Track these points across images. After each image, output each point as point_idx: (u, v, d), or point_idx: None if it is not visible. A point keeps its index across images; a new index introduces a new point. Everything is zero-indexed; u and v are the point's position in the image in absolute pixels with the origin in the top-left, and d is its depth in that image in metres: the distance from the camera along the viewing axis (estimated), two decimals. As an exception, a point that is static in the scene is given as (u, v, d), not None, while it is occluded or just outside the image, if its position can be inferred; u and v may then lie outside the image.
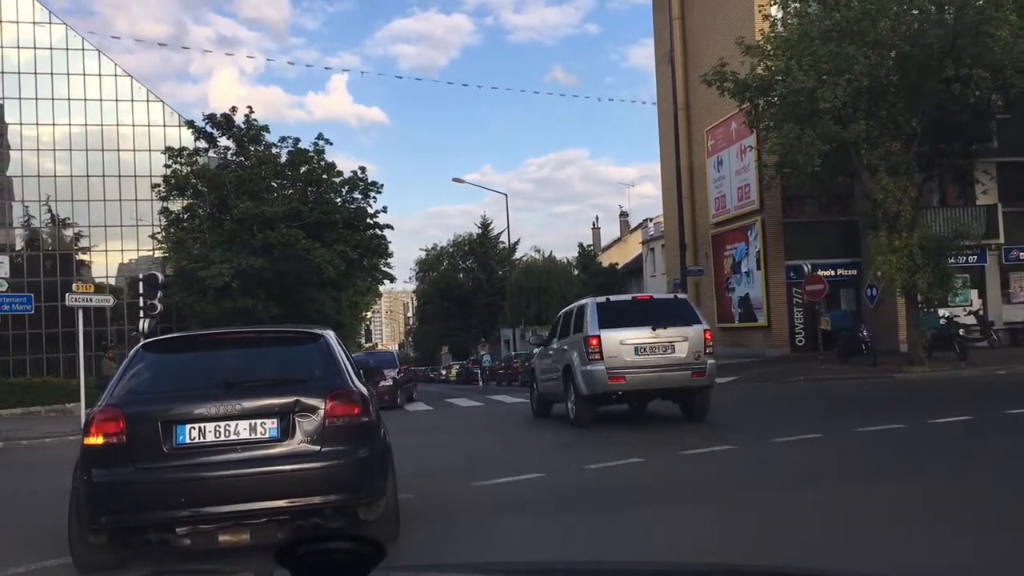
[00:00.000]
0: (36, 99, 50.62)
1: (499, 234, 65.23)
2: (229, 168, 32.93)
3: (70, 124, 51.16)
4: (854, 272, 27.76)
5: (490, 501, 7.06)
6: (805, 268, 24.56)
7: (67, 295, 17.11)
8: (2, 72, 49.98)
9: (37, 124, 50.83)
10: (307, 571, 1.33)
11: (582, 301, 13.39)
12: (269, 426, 5.13)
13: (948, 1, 19.95)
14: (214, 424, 5.06)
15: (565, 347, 13.22)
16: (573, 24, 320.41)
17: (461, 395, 25.43)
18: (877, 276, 22.08)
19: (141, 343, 5.79)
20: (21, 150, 51.47)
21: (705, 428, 11.61)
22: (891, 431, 9.84)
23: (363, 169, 34.53)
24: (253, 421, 5.11)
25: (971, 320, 24.54)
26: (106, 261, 52.57)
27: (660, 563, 3.81)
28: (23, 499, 9.06)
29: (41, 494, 8.47)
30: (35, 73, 50.69)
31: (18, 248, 51.20)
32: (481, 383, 37.79)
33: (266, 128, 33.70)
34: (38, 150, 51.18)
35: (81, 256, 51.88)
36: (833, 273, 26.66)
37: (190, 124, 34.83)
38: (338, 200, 33.82)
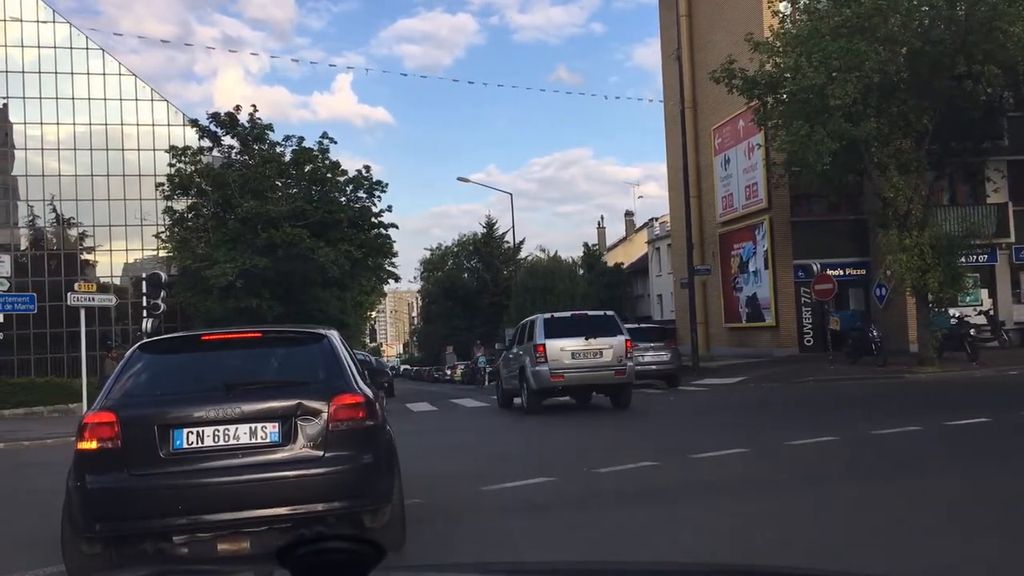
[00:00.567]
0: (40, 98, 50.58)
1: (504, 234, 65.03)
2: (233, 167, 32.75)
3: (74, 123, 51.10)
4: (863, 271, 27.50)
5: (500, 506, 6.86)
6: (815, 267, 24.33)
7: (69, 294, 16.97)
8: (6, 72, 49.92)
9: (41, 123, 50.78)
10: (307, 571, 1.34)
11: (533, 316, 16.76)
12: (270, 430, 4.92)
13: (960, -3, 19.71)
14: (213, 428, 4.85)
15: (520, 352, 16.43)
16: (578, 24, 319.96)
17: (465, 395, 25.22)
18: (887, 275, 21.84)
19: (138, 344, 5.58)
20: (25, 149, 51.45)
21: (717, 431, 11.40)
22: (908, 434, 9.61)
23: (367, 168, 34.31)
24: (253, 425, 4.90)
25: (981, 320, 24.29)
26: (110, 261, 52.52)
27: (660, 563, 3.76)
28: (22, 501, 8.89)
29: (41, 496, 8.28)
30: (39, 72, 50.65)
31: (23, 248, 51.19)
32: (486, 383, 37.60)
33: (270, 127, 33.51)
34: (42, 149, 51.13)
35: (86, 256, 51.81)
36: (842, 272, 26.42)
37: (194, 123, 34.65)
38: (342, 199, 33.60)
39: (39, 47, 50.95)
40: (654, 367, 21.51)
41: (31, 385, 22.98)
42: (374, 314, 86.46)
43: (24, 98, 50.44)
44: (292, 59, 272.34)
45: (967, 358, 20.85)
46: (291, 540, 1.35)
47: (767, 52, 21.10)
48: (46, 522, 6.10)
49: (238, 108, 33.26)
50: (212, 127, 33.24)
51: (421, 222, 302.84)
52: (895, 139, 21.06)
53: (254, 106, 33.58)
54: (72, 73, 51.26)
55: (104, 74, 51.93)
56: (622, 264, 60.02)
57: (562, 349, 15.30)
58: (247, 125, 33.06)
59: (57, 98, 50.89)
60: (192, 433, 4.84)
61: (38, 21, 50.87)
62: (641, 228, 63.03)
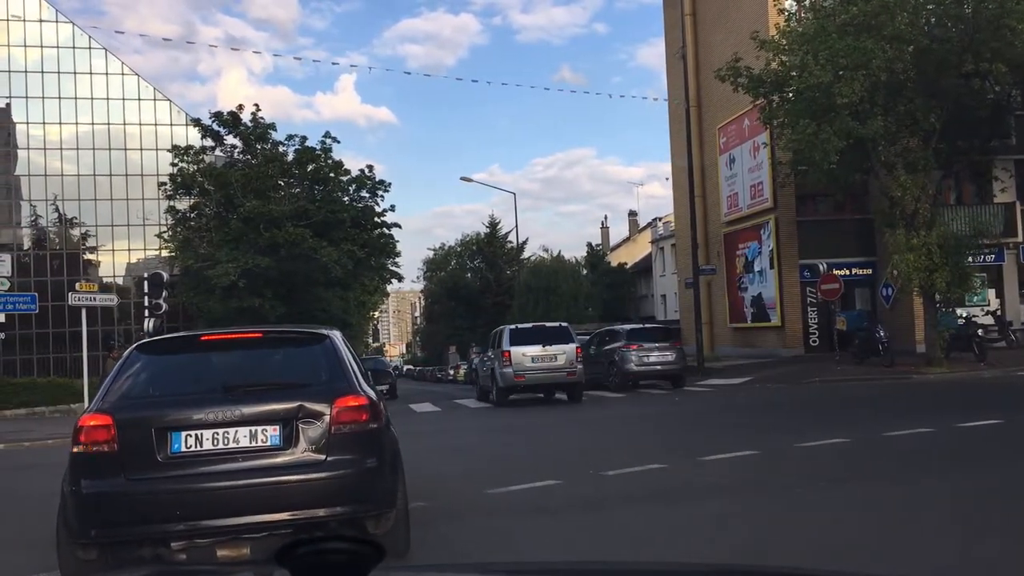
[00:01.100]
0: (43, 98, 50.52)
1: (507, 233, 64.90)
2: (236, 167, 32.64)
3: (77, 123, 51.03)
4: (869, 271, 27.31)
5: (506, 510, 6.72)
6: (821, 267, 24.16)
7: (70, 294, 16.86)
8: (9, 71, 49.86)
9: (44, 123, 50.71)
10: (307, 571, 1.34)
11: (501, 327, 20.72)
12: (271, 433, 4.77)
13: (967, -6, 19.53)
14: (212, 431, 4.71)
15: (491, 356, 20.29)
16: (581, 24, 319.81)
17: (468, 395, 25.05)
18: (893, 275, 21.66)
19: (135, 344, 5.44)
20: (28, 149, 51.38)
21: (725, 433, 11.25)
22: (920, 435, 9.45)
23: (370, 167, 34.16)
24: (254, 428, 4.75)
25: (989, 320, 24.10)
26: (113, 260, 52.45)
27: (660, 563, 3.73)
28: (21, 504, 8.75)
29: (39, 499, 8.15)
30: (42, 72, 50.58)
31: (26, 247, 51.14)
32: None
33: (272, 126, 33.39)
34: (45, 149, 51.07)
35: (88, 256, 51.75)
36: (848, 272, 26.22)
37: (196, 122, 34.55)
38: (345, 199, 33.48)
39: (42, 47, 50.89)
40: (659, 367, 21.36)
41: (32, 385, 22.86)
42: (377, 314, 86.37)
43: (27, 97, 50.39)
44: (295, 57, 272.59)
45: (975, 358, 20.68)
46: (291, 540, 1.35)
47: (773, 50, 20.92)
48: (42, 527, 5.99)
49: (241, 107, 33.16)
50: (215, 126, 33.14)
51: (424, 222, 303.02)
52: (902, 138, 20.89)
53: (257, 105, 33.48)
54: (75, 73, 51.19)
55: (107, 74, 51.86)
56: (626, 264, 59.87)
57: (524, 354, 18.74)
58: (250, 124, 32.94)
59: (60, 98, 50.82)
60: (191, 436, 4.70)
61: (40, 20, 50.80)
62: (645, 228, 62.90)
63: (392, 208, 34.33)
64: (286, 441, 4.77)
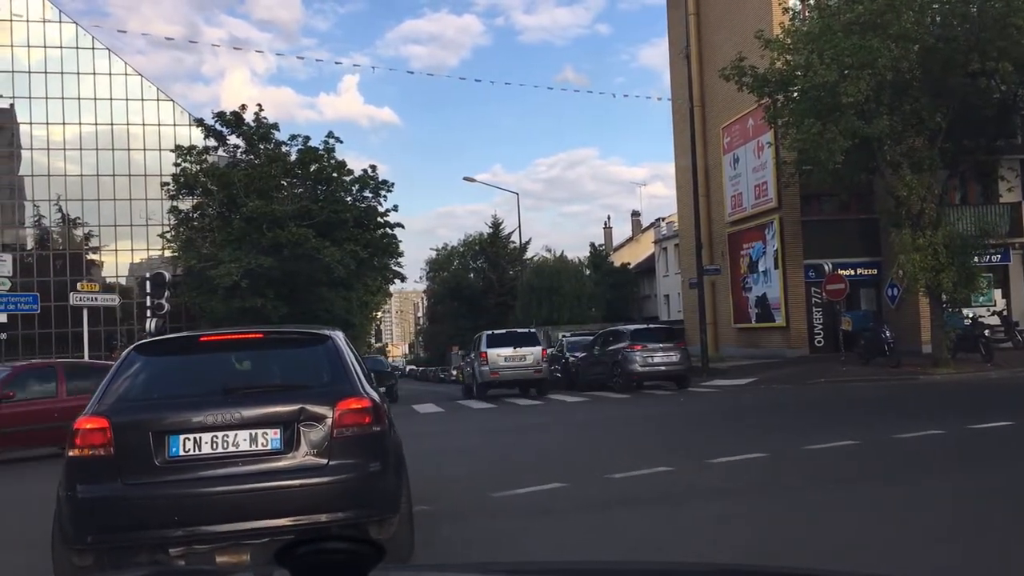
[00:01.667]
0: (47, 98, 50.53)
1: (510, 234, 64.79)
2: (238, 166, 32.58)
3: (80, 123, 51.04)
4: (874, 271, 27.16)
5: (511, 514, 6.60)
6: (826, 267, 24.00)
7: (71, 294, 16.78)
8: (12, 72, 49.88)
9: (47, 123, 50.73)
10: (307, 571, 1.34)
11: (480, 333, 24.26)
12: (271, 437, 4.66)
13: (973, -8, 19.39)
14: (211, 435, 4.60)
15: (473, 356, 23.53)
16: (584, 24, 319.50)
17: (472, 396, 24.92)
18: (899, 275, 21.52)
19: (133, 345, 5.32)
20: (32, 149, 51.41)
21: (732, 435, 11.14)
22: (931, 437, 9.32)
23: (373, 167, 34.11)
24: (254, 431, 4.64)
25: (995, 320, 23.93)
26: (116, 260, 52.45)
27: (660, 563, 3.73)
28: (20, 506, 8.66)
29: (40, 501, 8.05)
30: (46, 72, 50.61)
31: (29, 247, 51.14)
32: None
33: (275, 126, 33.36)
34: (48, 149, 51.08)
35: (91, 256, 51.75)
36: (853, 272, 26.05)
37: (199, 122, 34.51)
38: (348, 199, 33.42)
39: (45, 47, 50.90)
40: (663, 368, 21.21)
41: (34, 386, 22.71)
42: (380, 314, 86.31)
43: (30, 98, 50.40)
44: (298, 56, 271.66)
45: (982, 359, 20.53)
46: (291, 540, 1.35)
47: (778, 49, 20.79)
48: (46, 526, 5.91)
49: (244, 107, 33.14)
50: (218, 126, 33.08)
51: (427, 222, 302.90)
52: (908, 137, 20.75)
53: (260, 105, 33.46)
54: (78, 73, 51.20)
55: (110, 74, 51.88)
56: (629, 264, 59.72)
57: (498, 355, 22.03)
58: (252, 124, 32.89)
59: (63, 98, 50.83)
60: (189, 440, 4.59)
61: (44, 21, 50.78)
62: (648, 228, 62.74)
63: (395, 208, 34.34)
64: (287, 445, 4.66)
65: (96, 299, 17.80)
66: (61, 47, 51.06)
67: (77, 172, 51.35)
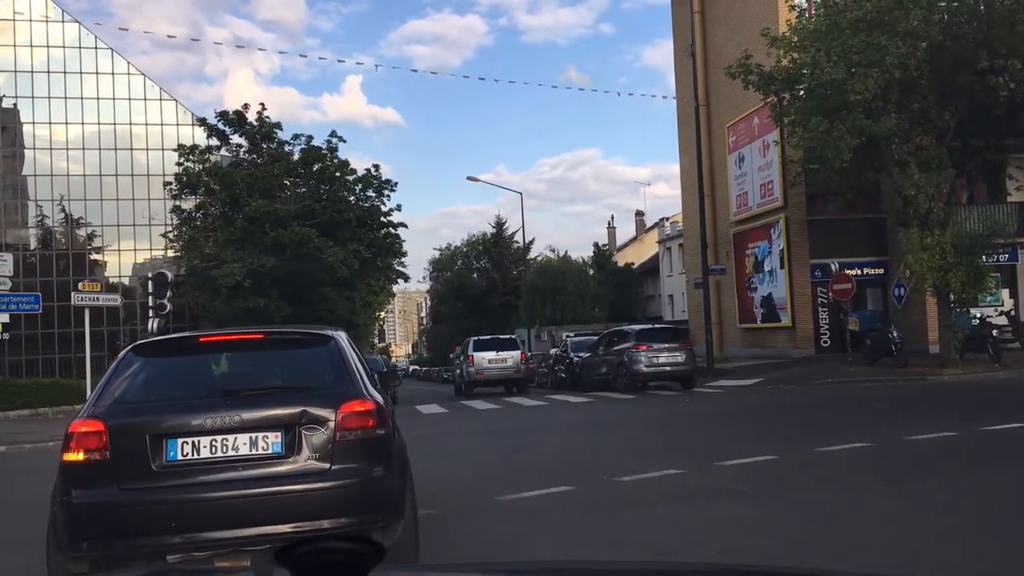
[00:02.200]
0: (49, 98, 50.40)
1: (513, 233, 64.62)
2: (241, 166, 32.45)
3: (83, 123, 50.92)
4: (881, 271, 26.98)
5: (518, 519, 6.45)
6: (833, 267, 23.83)
7: (73, 294, 16.66)
8: (15, 71, 49.80)
9: (50, 123, 50.61)
10: (307, 571, 1.33)
11: (468, 338, 27.43)
12: (272, 440, 4.51)
13: (982, -11, 19.20)
14: (210, 438, 4.45)
15: (462, 359, 26.92)
16: (587, 24, 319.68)
17: (475, 396, 24.80)
18: (906, 275, 21.35)
19: (130, 346, 5.17)
20: (34, 149, 51.29)
21: (740, 436, 10.98)
22: (945, 439, 9.16)
23: (376, 167, 33.92)
24: (254, 435, 4.49)
25: (1002, 320, 23.74)
26: (119, 261, 52.34)
27: (660, 563, 3.66)
28: (18, 509, 8.52)
29: (41, 503, 7.93)
30: (48, 72, 50.48)
31: (32, 247, 51.05)
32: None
33: (278, 125, 33.18)
34: (51, 149, 50.98)
35: (94, 256, 51.64)
36: (859, 272, 25.86)
37: (202, 121, 34.35)
38: (351, 198, 33.26)
39: (48, 46, 50.80)
40: (668, 369, 21.05)
41: (36, 386, 22.65)
42: (383, 314, 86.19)
43: (33, 97, 50.31)
44: (300, 55, 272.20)
45: (990, 359, 20.36)
46: (291, 540, 1.34)
47: (785, 47, 20.62)
48: (36, 535, 5.78)
49: (246, 106, 32.96)
50: (220, 125, 32.94)
51: (430, 222, 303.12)
52: (915, 135, 20.58)
53: (262, 104, 33.27)
54: (81, 73, 51.08)
55: (113, 73, 51.74)
56: (632, 264, 59.56)
57: (483, 358, 25.33)
58: (255, 124, 32.74)
59: (66, 98, 50.71)
60: (187, 443, 4.44)
61: (47, 20, 50.69)
62: (652, 228, 62.56)
63: (398, 208, 34.17)
64: (288, 449, 4.51)
65: (98, 299, 17.69)
66: (64, 47, 50.94)
67: (80, 172, 51.22)
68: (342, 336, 5.24)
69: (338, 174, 33.02)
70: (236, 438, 4.47)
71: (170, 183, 33.17)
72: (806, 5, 21.64)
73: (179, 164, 32.56)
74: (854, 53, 18.71)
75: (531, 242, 70.44)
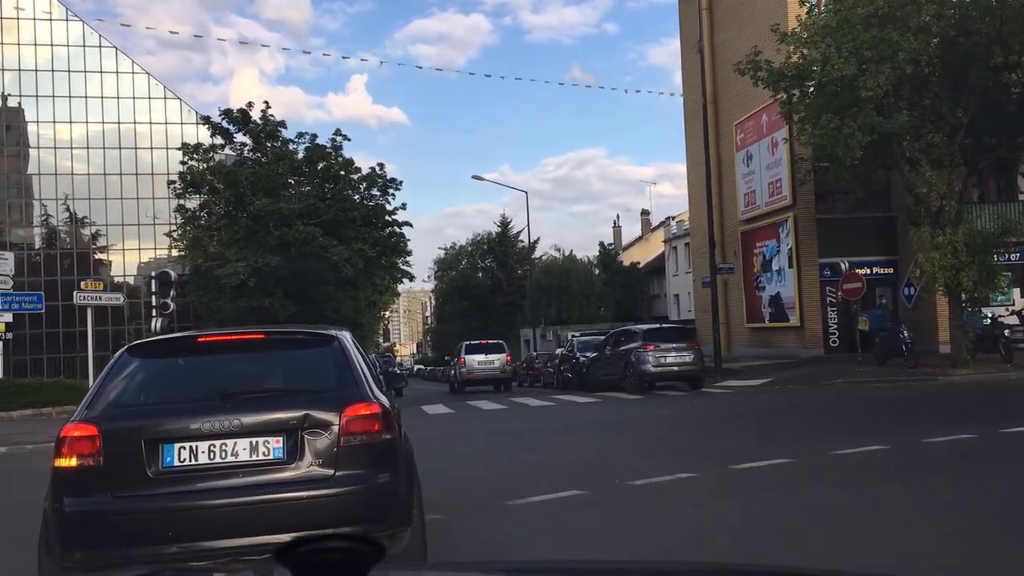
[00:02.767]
0: (53, 97, 50.34)
1: (518, 233, 64.43)
2: (245, 164, 32.29)
3: (87, 122, 50.84)
4: (890, 270, 26.71)
5: (529, 525, 6.24)
6: (842, 266, 23.57)
7: (75, 293, 16.48)
8: (19, 70, 49.73)
9: (55, 122, 50.54)
10: (307, 571, 1.34)
11: (461, 343, 30.91)
12: (274, 446, 4.31)
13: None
14: (208, 443, 4.24)
15: (456, 360, 30.16)
16: (592, 23, 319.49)
17: (482, 396, 24.60)
18: (916, 274, 21.08)
19: (126, 346, 4.95)
20: (39, 148, 51.24)
21: (753, 438, 10.76)
22: (964, 442, 8.92)
23: (381, 166, 33.75)
24: (255, 440, 4.28)
25: (1014, 320, 23.45)
26: (123, 260, 52.26)
27: (660, 563, 3.67)
28: (18, 510, 8.34)
29: (38, 506, 7.74)
30: (52, 71, 50.41)
31: (37, 246, 51.00)
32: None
33: (283, 124, 33.01)
34: (55, 148, 50.91)
35: (99, 255, 51.57)
36: (869, 271, 25.59)
37: (206, 120, 34.20)
38: (356, 197, 33.09)
39: (52, 45, 50.72)
40: (676, 369, 20.81)
41: (39, 385, 22.49)
42: (388, 314, 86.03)
43: (37, 96, 50.23)
44: (304, 51, 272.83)
45: (1001, 359, 20.08)
46: (291, 540, 1.34)
47: (794, 43, 20.37)
48: (33, 539, 5.61)
49: (251, 104, 32.80)
50: (224, 124, 32.78)
51: (435, 222, 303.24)
52: (927, 133, 20.32)
53: (267, 102, 33.10)
54: (85, 71, 50.99)
55: (117, 72, 51.65)
56: (638, 263, 59.29)
57: (473, 360, 28.62)
58: (259, 122, 32.57)
59: (70, 97, 50.64)
60: (184, 449, 4.23)
61: (51, 19, 50.60)
62: (657, 227, 62.31)
63: (403, 206, 33.97)
64: (290, 454, 4.30)
65: (100, 298, 17.54)
66: (68, 45, 50.88)
67: (84, 171, 51.16)
68: (346, 336, 5.04)
69: (343, 173, 32.86)
70: (236, 443, 4.27)
71: (174, 182, 33.02)
72: (816, 0, 21.36)
73: (183, 163, 32.39)
74: (865, 49, 18.46)
75: (536, 241, 70.24)
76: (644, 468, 8.15)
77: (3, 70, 49.58)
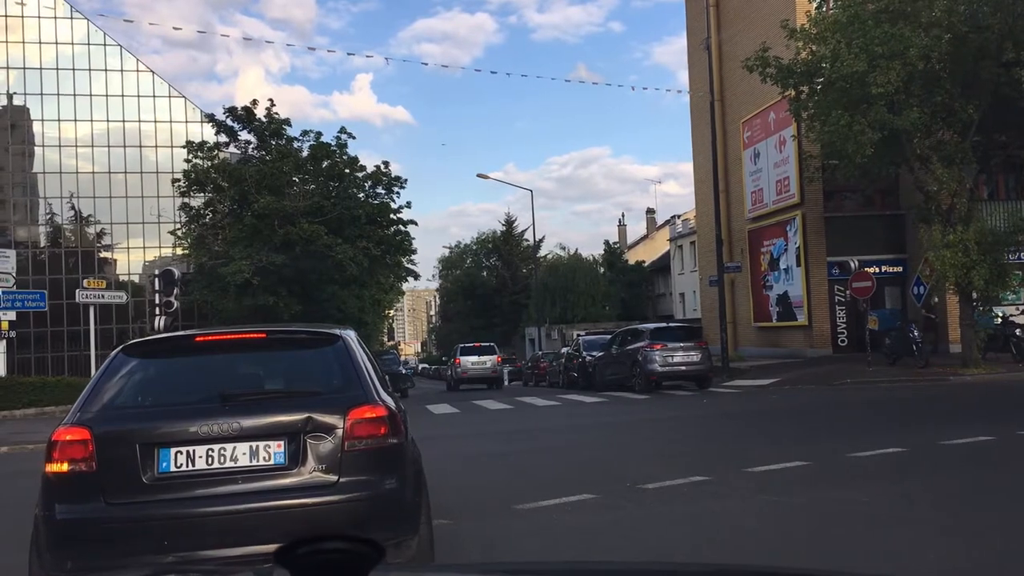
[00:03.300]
0: (58, 95, 50.30)
1: (523, 231, 64.25)
2: (250, 163, 32.10)
3: (92, 120, 50.80)
4: (899, 269, 26.46)
5: (538, 531, 6.04)
6: (852, 264, 23.36)
7: (77, 291, 16.33)
8: (24, 68, 49.70)
9: (60, 121, 50.50)
10: (307, 571, 1.33)
11: (457, 345, 33.98)
12: (275, 450, 4.11)
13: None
14: (206, 448, 4.05)
15: (452, 361, 32.96)
16: (597, 22, 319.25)
17: (487, 396, 24.41)
18: (926, 273, 20.84)
19: (121, 346, 4.75)
20: (44, 146, 51.20)
21: (766, 439, 10.55)
22: (981, 444, 8.72)
23: (386, 164, 33.49)
24: (255, 444, 4.09)
25: (1023, 319, 23.20)
26: (128, 258, 52.23)
27: (660, 563, 3.59)
28: (15, 513, 8.17)
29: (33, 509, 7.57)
30: (57, 69, 50.39)
31: (42, 245, 50.99)
32: (506, 383, 36.85)
33: (287, 122, 32.81)
34: (60, 146, 50.86)
35: (104, 253, 51.55)
36: (877, 270, 25.35)
37: (210, 118, 34.02)
38: (361, 195, 32.89)
39: (56, 43, 50.67)
40: (684, 368, 20.60)
41: (42, 384, 22.36)
42: (392, 313, 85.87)
43: (42, 95, 50.20)
44: (309, 48, 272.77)
45: (1013, 359, 19.87)
46: (291, 540, 1.33)
47: (804, 39, 20.14)
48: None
49: (255, 103, 32.60)
50: (229, 122, 32.60)
51: (440, 221, 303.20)
52: (938, 130, 20.08)
53: (271, 100, 32.92)
54: (90, 70, 50.96)
55: (122, 71, 51.61)
56: (643, 262, 59.03)
57: (467, 361, 31.35)
58: (264, 120, 32.39)
59: (75, 95, 50.59)
60: (181, 454, 4.04)
61: (55, 17, 50.54)
62: (663, 226, 62.04)
63: (408, 205, 33.76)
64: (292, 459, 4.11)
65: (103, 296, 17.39)
66: (73, 44, 50.83)
67: (89, 169, 51.14)
68: (351, 335, 4.83)
69: (347, 171, 32.65)
70: (235, 447, 4.08)
71: (178, 180, 32.84)
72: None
73: (187, 161, 32.24)
74: (876, 45, 18.23)
75: (541, 240, 70.06)
76: (656, 471, 7.96)
77: (8, 68, 49.52)
